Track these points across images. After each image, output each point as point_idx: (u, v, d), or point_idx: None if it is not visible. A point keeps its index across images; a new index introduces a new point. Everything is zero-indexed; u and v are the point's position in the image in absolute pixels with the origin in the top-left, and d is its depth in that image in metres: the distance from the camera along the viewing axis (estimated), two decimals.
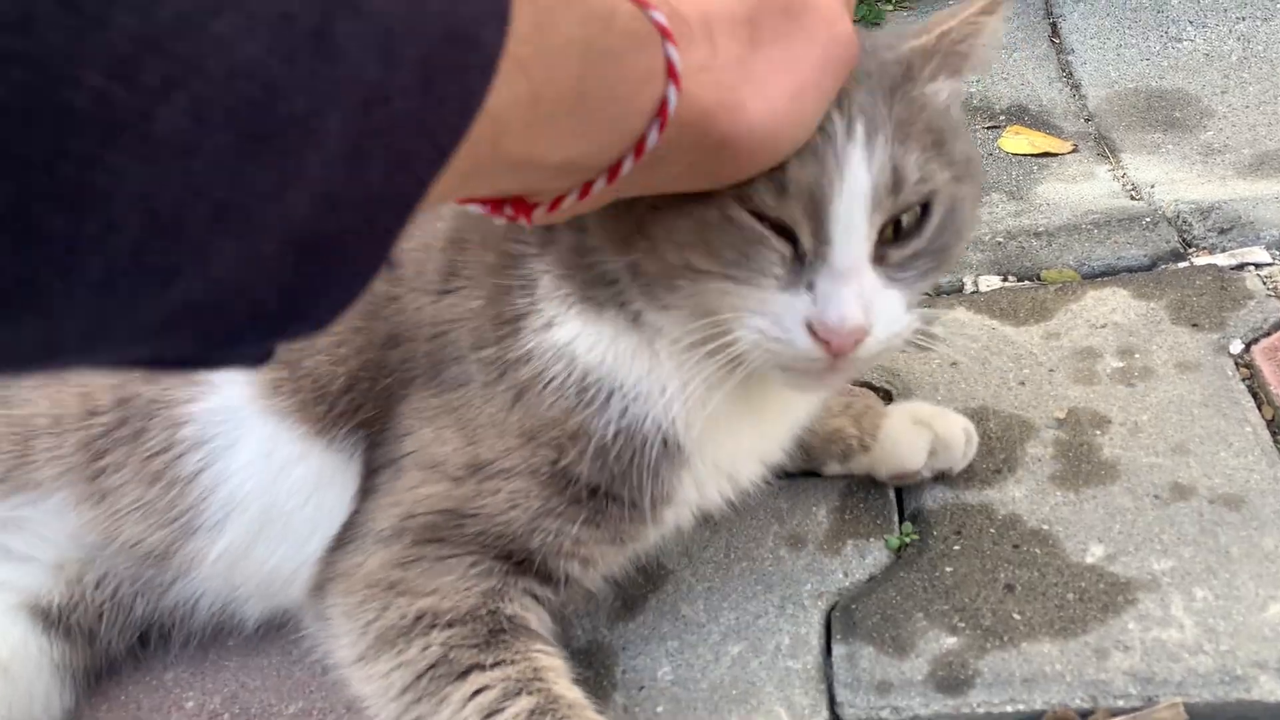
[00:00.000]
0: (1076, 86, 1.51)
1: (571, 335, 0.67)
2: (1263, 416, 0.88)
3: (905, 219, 0.59)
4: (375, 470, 0.75)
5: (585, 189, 0.49)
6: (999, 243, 1.17)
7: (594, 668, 0.78)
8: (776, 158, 0.53)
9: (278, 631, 0.83)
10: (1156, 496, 0.82)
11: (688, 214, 0.57)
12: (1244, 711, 0.68)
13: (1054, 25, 1.62)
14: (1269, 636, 0.71)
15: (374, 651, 0.70)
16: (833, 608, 0.80)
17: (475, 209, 0.53)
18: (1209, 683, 0.69)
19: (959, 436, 0.85)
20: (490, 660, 0.68)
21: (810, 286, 0.58)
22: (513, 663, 0.68)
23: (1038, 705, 0.70)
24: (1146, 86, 1.48)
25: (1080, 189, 1.30)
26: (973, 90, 1.54)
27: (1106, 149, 1.38)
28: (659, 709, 0.75)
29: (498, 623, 0.70)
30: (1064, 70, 1.55)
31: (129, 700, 0.81)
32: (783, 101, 0.50)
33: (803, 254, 0.57)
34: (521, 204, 0.51)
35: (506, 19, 0.35)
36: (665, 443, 0.68)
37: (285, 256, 0.32)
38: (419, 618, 0.69)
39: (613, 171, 0.47)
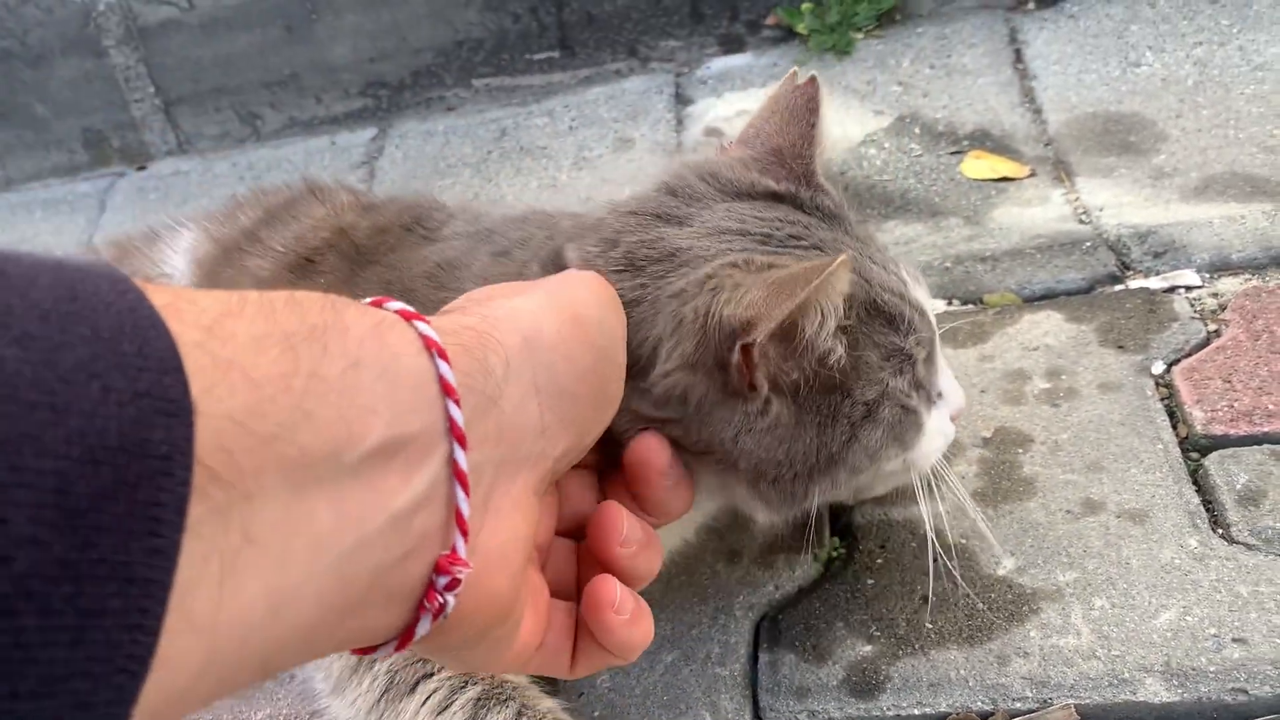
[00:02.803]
0: (1038, 111, 1.57)
1: None
2: (1176, 435, 0.93)
3: None
4: None
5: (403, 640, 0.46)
6: (947, 268, 1.22)
7: (537, 677, 0.84)
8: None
9: None
10: (1069, 511, 0.87)
11: None
12: (1129, 712, 0.73)
13: (1018, 51, 1.67)
14: (1156, 642, 0.76)
15: (340, 685, 0.77)
16: (762, 618, 0.85)
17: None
18: (1099, 686, 0.74)
19: None
20: (435, 668, 0.75)
21: None
22: None
23: (943, 708, 0.76)
24: (1105, 111, 1.53)
25: (1033, 213, 1.35)
26: (938, 116, 1.59)
27: (1063, 173, 1.43)
28: (596, 713, 0.81)
29: None
30: (1026, 95, 1.60)
31: None
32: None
33: None
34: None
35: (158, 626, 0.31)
36: None
37: None
38: None
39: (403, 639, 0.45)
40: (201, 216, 1.00)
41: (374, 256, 0.88)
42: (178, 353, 0.32)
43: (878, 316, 0.69)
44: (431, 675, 0.74)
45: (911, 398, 0.70)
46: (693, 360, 0.60)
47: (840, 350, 0.64)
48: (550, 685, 0.81)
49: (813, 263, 0.60)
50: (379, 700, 0.74)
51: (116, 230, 1.79)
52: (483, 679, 0.74)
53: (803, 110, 0.75)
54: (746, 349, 0.59)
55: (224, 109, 1.93)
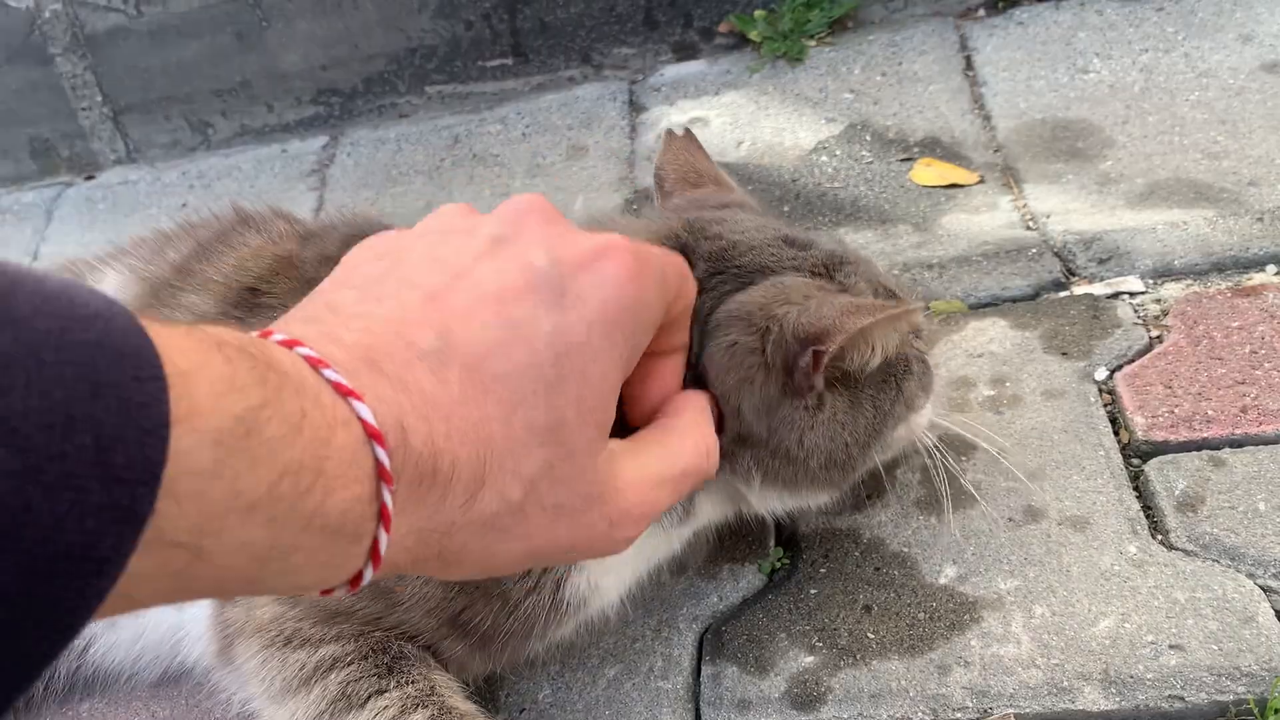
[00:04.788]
0: (988, 118, 1.57)
1: None
2: (1118, 441, 0.93)
3: None
4: None
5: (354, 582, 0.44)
6: (895, 275, 1.22)
7: (479, 692, 0.83)
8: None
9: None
10: (1010, 519, 0.88)
11: None
12: None
13: (968, 58, 1.68)
14: (1095, 650, 0.76)
15: (281, 696, 0.76)
16: (705, 630, 0.85)
17: None
18: (1038, 694, 0.74)
19: None
20: (390, 685, 0.74)
21: None
22: (411, 683, 0.74)
23: (883, 719, 0.76)
24: (1053, 117, 1.54)
25: (981, 220, 1.36)
26: (889, 123, 1.60)
27: (1011, 179, 1.44)
28: None
29: (401, 651, 0.75)
30: (976, 102, 1.61)
31: None
32: (505, 561, 0.48)
33: None
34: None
35: (139, 526, 0.32)
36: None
37: None
38: (318, 666, 0.75)
39: (354, 581, 0.43)
40: (126, 253, 0.96)
41: None
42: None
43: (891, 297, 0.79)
44: (386, 691, 0.73)
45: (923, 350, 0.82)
46: (763, 356, 0.68)
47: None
48: (491, 705, 0.81)
49: (886, 302, 0.73)
50: (323, 712, 0.73)
51: (64, 240, 1.77)
52: (433, 703, 0.73)
53: (697, 147, 0.92)
54: (818, 354, 0.67)
55: (174, 117, 1.90)
